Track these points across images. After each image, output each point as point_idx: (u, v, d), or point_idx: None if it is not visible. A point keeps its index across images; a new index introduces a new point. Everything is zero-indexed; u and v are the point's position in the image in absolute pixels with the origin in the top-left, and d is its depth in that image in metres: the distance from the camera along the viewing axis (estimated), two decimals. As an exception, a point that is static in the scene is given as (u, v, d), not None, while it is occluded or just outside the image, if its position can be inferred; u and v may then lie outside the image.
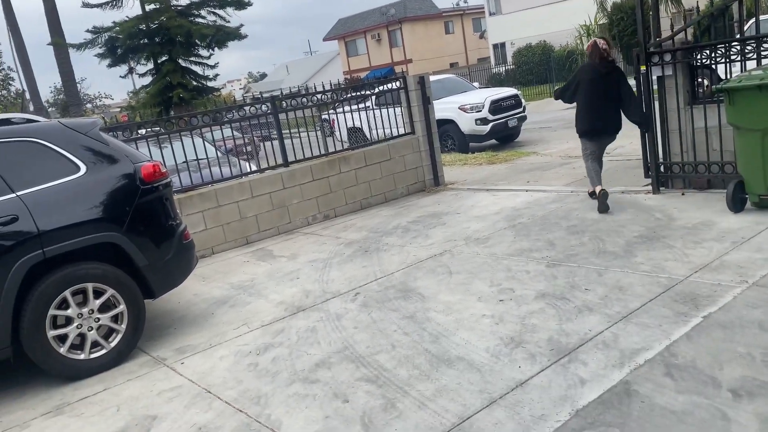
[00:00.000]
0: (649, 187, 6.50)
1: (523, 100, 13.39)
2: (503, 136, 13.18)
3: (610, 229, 5.40)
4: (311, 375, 3.57)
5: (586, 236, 5.31)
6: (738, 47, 5.57)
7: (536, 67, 29.20)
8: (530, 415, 2.80)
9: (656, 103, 6.33)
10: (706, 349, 3.12)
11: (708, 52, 5.78)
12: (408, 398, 3.12)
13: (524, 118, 13.28)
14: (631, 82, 6.40)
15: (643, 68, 6.20)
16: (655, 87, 6.30)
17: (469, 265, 5.05)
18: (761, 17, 7.76)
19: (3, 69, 32.80)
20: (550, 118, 17.53)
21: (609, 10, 25.58)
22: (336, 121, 11.26)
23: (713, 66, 5.93)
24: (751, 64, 5.56)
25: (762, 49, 5.42)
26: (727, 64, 5.69)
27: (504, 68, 33.04)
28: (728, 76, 5.54)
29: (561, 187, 7.54)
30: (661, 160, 6.40)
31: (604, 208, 5.95)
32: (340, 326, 4.23)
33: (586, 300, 3.98)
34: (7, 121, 4.38)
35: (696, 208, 5.62)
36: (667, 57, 6.05)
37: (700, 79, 6.36)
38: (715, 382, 2.83)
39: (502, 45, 36.61)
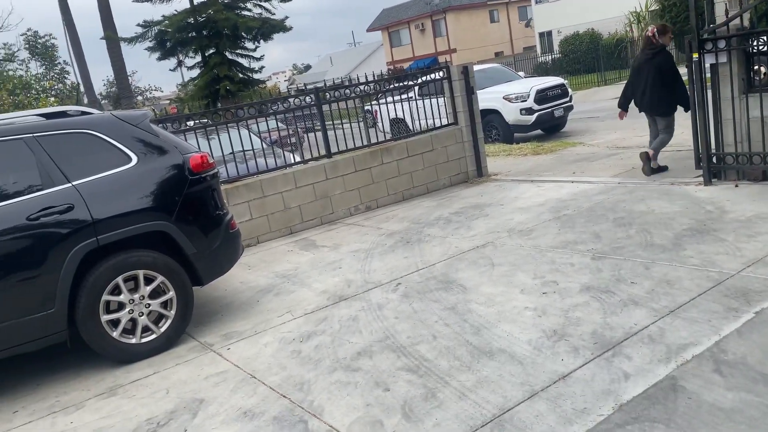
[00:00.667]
0: (701, 179, 6.31)
1: (569, 90, 13.13)
2: (549, 127, 12.96)
3: (659, 221, 5.27)
4: (353, 363, 3.62)
5: (633, 229, 5.19)
6: (798, 33, 5.33)
7: (584, 56, 28.49)
8: (572, 409, 2.78)
9: (709, 92, 6.12)
10: (757, 346, 3.03)
11: (765, 38, 5.55)
12: (448, 389, 3.14)
13: (571, 107, 13.02)
14: (683, 70, 6.23)
15: (695, 56, 6.01)
16: (708, 75, 6.10)
17: (512, 257, 5.01)
18: (824, 1, 7.40)
19: (59, 63, 34.03)
20: (598, 107, 17.13)
21: (661, -5, 24.74)
22: (378, 112, 11.31)
23: (771, 53, 5.70)
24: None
25: (824, 34, 5.18)
26: (786, 51, 5.46)
27: (550, 57, 32.40)
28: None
29: (608, 178, 7.39)
30: (713, 151, 6.20)
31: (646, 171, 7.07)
32: (381, 316, 4.27)
33: (632, 293, 3.90)
34: (63, 114, 4.56)
35: (750, 200, 5.42)
36: (722, 44, 5.84)
37: (756, 67, 6.12)
38: (765, 379, 2.75)
39: (549, 33, 35.90)
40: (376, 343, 3.83)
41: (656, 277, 4.10)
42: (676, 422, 2.56)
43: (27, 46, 33.07)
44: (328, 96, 7.64)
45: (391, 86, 8.64)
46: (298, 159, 7.74)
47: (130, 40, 21.61)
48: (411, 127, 9.15)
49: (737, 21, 5.87)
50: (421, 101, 8.53)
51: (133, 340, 4.19)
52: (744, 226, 4.77)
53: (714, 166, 6.21)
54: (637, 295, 3.87)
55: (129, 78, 29.27)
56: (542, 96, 12.29)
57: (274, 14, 21.84)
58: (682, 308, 3.58)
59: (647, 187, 6.54)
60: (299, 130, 9.77)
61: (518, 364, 3.26)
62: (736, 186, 5.94)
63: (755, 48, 5.71)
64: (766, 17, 5.94)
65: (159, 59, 21.86)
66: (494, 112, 12.45)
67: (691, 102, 6.25)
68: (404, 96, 8.63)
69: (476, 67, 10.22)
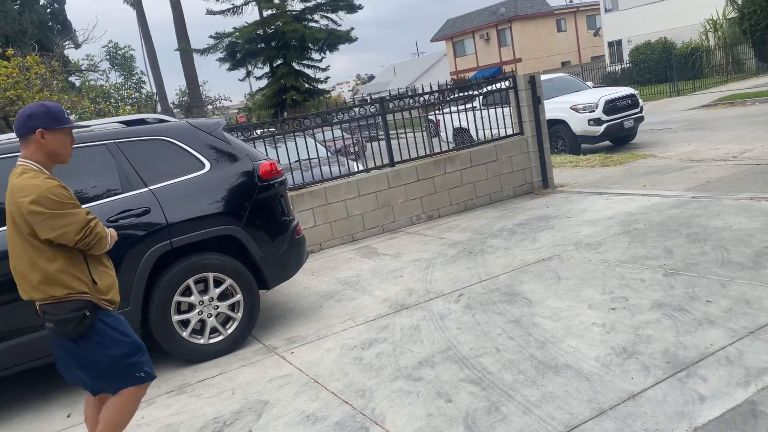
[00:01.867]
0: (783, 194, 5.98)
1: (640, 100, 12.71)
2: (618, 138, 12.60)
3: (737, 238, 5.02)
4: (414, 372, 3.61)
5: (709, 245, 4.97)
6: None
7: (655, 66, 27.52)
8: (643, 429, 2.67)
9: None
10: None
11: None
12: (512, 402, 3.08)
13: (641, 119, 12.61)
14: (764, 80, 5.93)
15: (779, 65, 5.72)
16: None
17: (579, 271, 4.89)
18: None
19: (136, 73, 35.70)
20: (670, 119, 16.53)
21: (740, 2, 23.66)
22: (442, 122, 11.30)
23: None
24: None
25: None
26: None
27: (620, 67, 31.50)
28: None
29: (681, 192, 7.10)
30: (798, 165, 5.87)
31: None
32: (443, 326, 4.24)
33: (708, 312, 3.73)
34: (142, 121, 4.79)
35: (839, 217, 5.10)
36: (809, 52, 5.54)
37: None
38: None
39: (618, 42, 34.92)
40: (437, 354, 3.81)
41: (734, 295, 3.91)
42: (757, 450, 2.42)
43: (108, 57, 34.86)
44: (391, 106, 7.70)
45: (455, 96, 8.62)
46: (361, 167, 7.82)
47: (203, 51, 22.49)
48: (475, 137, 9.09)
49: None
50: (485, 111, 8.47)
51: (202, 341, 4.32)
52: (832, 245, 4.48)
53: (798, 181, 5.87)
54: (713, 314, 3.70)
55: (200, 88, 30.38)
56: (611, 106, 11.96)
57: (340, 25, 22.27)
58: (763, 329, 3.39)
59: (724, 202, 6.25)
60: (362, 139, 9.88)
61: (585, 380, 3.17)
62: (823, 202, 5.60)
63: None
64: None
65: (229, 70, 22.65)
66: (561, 123, 12.21)
67: (774, 113, 5.95)
68: (468, 105, 8.59)
69: (543, 77, 10.08)
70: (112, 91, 25.18)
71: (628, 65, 30.67)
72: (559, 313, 4.12)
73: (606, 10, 36.34)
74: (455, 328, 4.18)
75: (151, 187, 4.21)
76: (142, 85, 34.67)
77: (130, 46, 37.26)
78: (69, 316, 2.61)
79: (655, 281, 4.39)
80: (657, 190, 7.45)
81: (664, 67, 25.95)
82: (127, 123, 4.72)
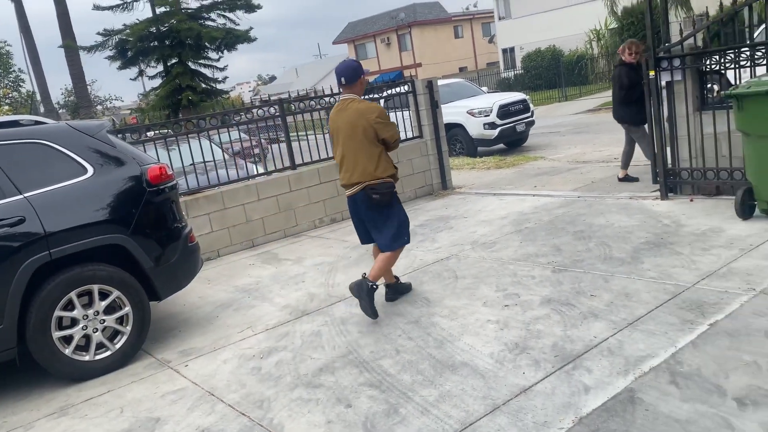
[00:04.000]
0: (657, 193, 6.46)
1: (531, 105, 13.35)
2: (511, 141, 13.16)
3: (617, 235, 5.37)
4: (315, 379, 3.57)
5: (593, 242, 5.28)
6: (748, 53, 5.52)
7: (545, 72, 29.05)
8: (533, 422, 2.78)
9: (665, 109, 6.30)
10: (711, 357, 3.09)
11: (717, 57, 5.74)
12: (411, 404, 3.11)
13: (532, 122, 13.24)
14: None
15: (651, 73, 6.18)
16: (664, 93, 6.27)
17: (475, 270, 5.04)
18: (772, 23, 7.70)
19: (14, 71, 33.03)
20: (559, 123, 17.48)
21: (619, 14, 25.44)
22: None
23: (723, 71, 5.88)
24: (760, 70, 5.53)
25: (772, 54, 5.37)
26: (737, 70, 5.65)
27: (513, 73, 32.97)
28: (738, 82, 5.50)
29: (568, 192, 7.51)
30: (669, 166, 6.36)
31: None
32: (344, 330, 4.23)
33: (592, 306, 3.96)
34: (15, 123, 4.41)
35: (704, 214, 5.57)
36: (677, 62, 6.02)
37: (709, 85, 6.32)
38: (720, 390, 2.80)
39: (512, 49, 36.53)
40: (338, 359, 3.79)
41: (615, 289, 4.17)
42: (635, 434, 2.58)
43: (-20, 52, 32.03)
44: (293, 107, 7.60)
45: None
46: (261, 170, 7.66)
47: (90, 49, 21.21)
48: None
49: (692, 40, 6.06)
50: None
51: (87, 358, 4.05)
52: (699, 240, 4.89)
53: (670, 181, 6.37)
54: (597, 307, 3.93)
55: (88, 87, 28.65)
56: (505, 111, 12.47)
57: (238, 24, 21.71)
58: (640, 320, 3.64)
59: (606, 201, 6.68)
60: (263, 141, 9.68)
61: (480, 377, 3.26)
62: (692, 200, 6.11)
63: (708, 67, 5.89)
64: (717, 37, 6.13)
65: (120, 68, 21.48)
66: (458, 126, 12.57)
67: (649, 118, 6.41)
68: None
69: (441, 82, 10.33)
70: (-15, 89, 23.19)
71: (520, 71, 32.16)
72: (456, 311, 4.22)
73: (500, 18, 37.90)
74: (356, 331, 4.17)
75: (25, 195, 3.89)
76: (21, 84, 32.14)
77: (6, 42, 34.24)
78: (389, 190, 4.28)
79: (545, 278, 4.60)
80: (546, 190, 7.84)
81: (553, 73, 27.42)
82: (-2, 125, 4.34)
